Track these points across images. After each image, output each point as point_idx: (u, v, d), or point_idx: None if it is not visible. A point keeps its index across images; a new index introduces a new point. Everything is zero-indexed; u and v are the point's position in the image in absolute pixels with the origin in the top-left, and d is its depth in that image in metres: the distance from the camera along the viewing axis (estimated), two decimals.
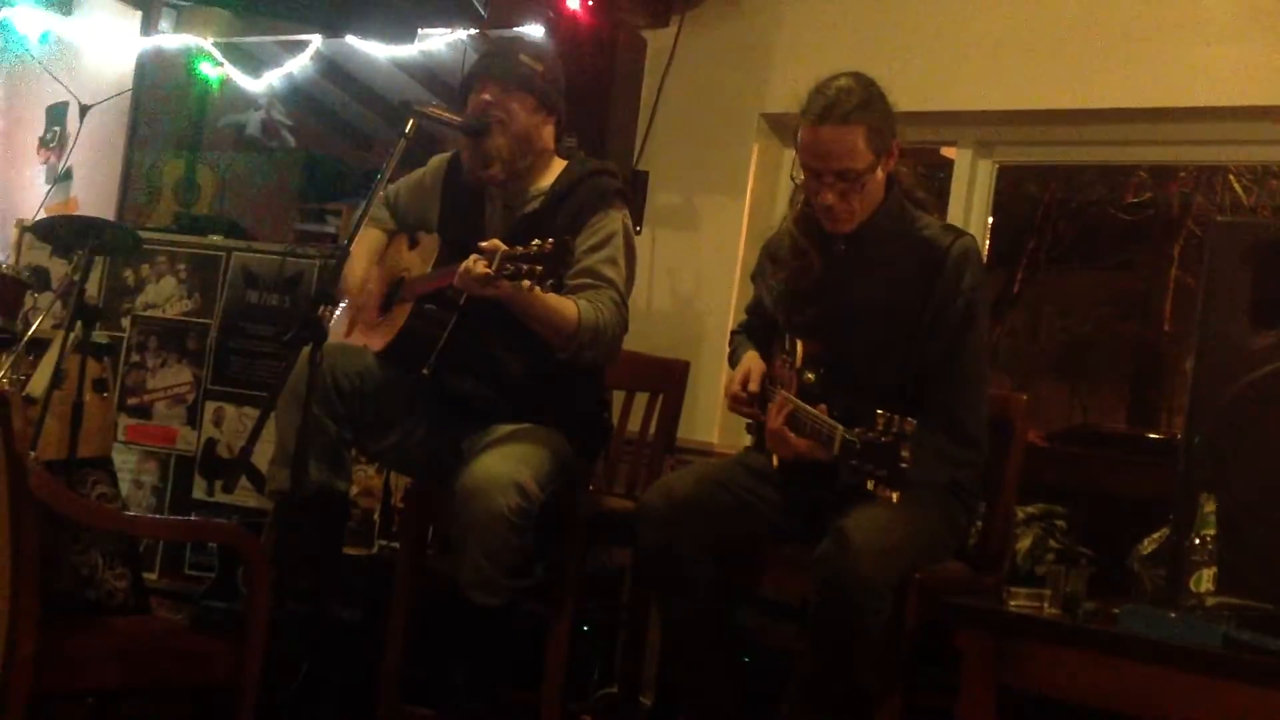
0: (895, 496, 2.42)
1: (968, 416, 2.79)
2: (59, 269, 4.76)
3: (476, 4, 4.40)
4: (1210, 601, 2.49)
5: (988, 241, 4.10)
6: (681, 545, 2.81)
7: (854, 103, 2.74)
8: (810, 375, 2.82)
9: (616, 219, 3.15)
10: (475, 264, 2.81)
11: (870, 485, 2.42)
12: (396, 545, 3.71)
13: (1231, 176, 7.27)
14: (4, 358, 4.04)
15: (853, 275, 2.87)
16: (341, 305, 3.38)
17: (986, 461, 2.88)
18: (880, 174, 2.82)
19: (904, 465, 2.39)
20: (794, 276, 2.93)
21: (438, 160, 3.40)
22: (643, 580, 3.35)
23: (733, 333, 3.29)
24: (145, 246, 4.30)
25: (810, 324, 2.91)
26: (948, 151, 4.13)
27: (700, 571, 2.83)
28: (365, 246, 3.37)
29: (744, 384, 2.94)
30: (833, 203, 2.79)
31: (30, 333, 4.02)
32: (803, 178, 2.84)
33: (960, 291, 2.79)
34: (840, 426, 2.53)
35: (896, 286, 2.82)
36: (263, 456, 3.18)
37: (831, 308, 2.88)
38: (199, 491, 4.46)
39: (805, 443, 2.69)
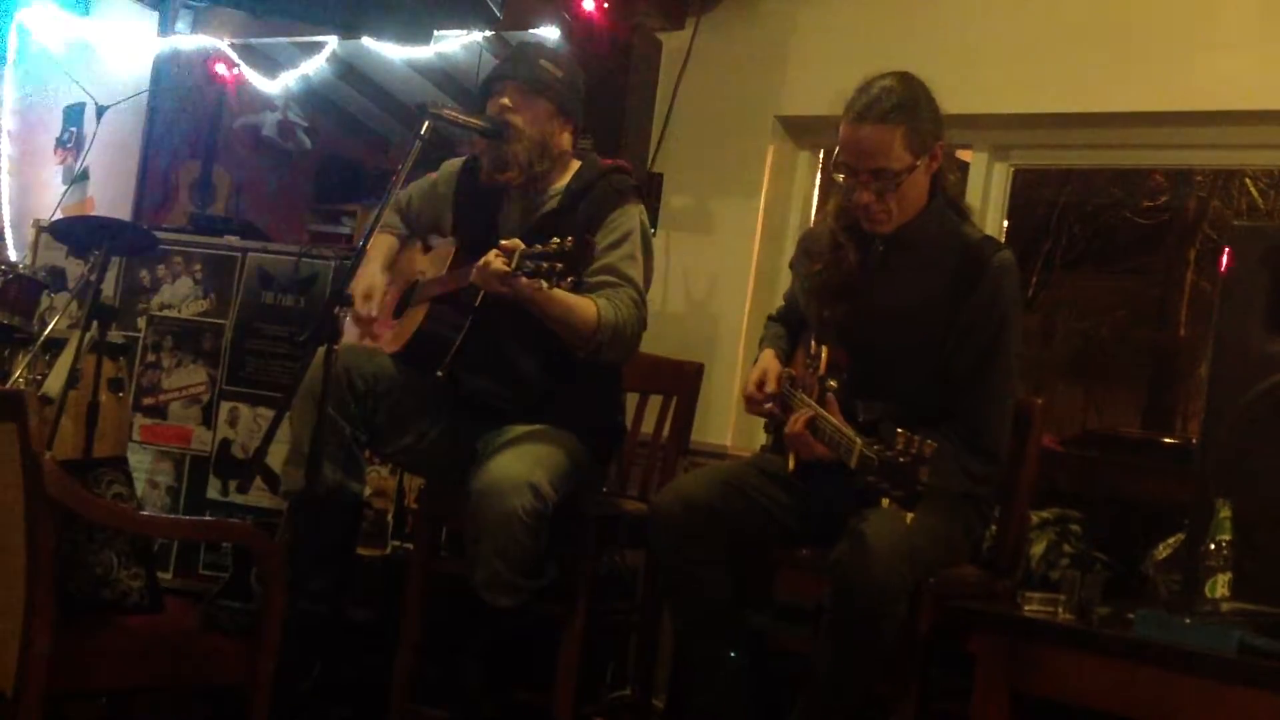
0: (910, 518, 2.40)
1: (991, 430, 2.78)
2: (75, 269, 4.76)
3: (492, 6, 4.40)
4: (1225, 607, 2.48)
5: None
6: (694, 547, 2.81)
7: (894, 103, 2.72)
8: (833, 382, 2.79)
9: (633, 215, 3.15)
10: (495, 259, 2.81)
11: (885, 503, 2.41)
12: (410, 546, 3.70)
13: (1248, 180, 7.25)
14: (20, 357, 4.06)
15: (888, 276, 2.85)
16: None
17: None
18: (922, 177, 2.79)
19: (921, 488, 2.36)
20: (828, 270, 2.90)
21: (450, 165, 3.40)
22: (655, 581, 3.35)
23: (769, 318, 3.25)
24: (161, 247, 4.31)
25: (839, 321, 2.87)
26: (963, 154, 4.12)
27: (713, 573, 2.82)
28: (378, 252, 3.36)
29: (759, 385, 2.93)
30: (869, 202, 2.77)
31: (46, 333, 4.03)
32: (842, 176, 2.82)
33: (996, 303, 2.77)
34: (859, 440, 2.50)
35: (931, 291, 2.79)
36: (277, 457, 3.20)
37: (862, 306, 2.85)
38: (213, 491, 4.46)
39: (824, 447, 2.68)
